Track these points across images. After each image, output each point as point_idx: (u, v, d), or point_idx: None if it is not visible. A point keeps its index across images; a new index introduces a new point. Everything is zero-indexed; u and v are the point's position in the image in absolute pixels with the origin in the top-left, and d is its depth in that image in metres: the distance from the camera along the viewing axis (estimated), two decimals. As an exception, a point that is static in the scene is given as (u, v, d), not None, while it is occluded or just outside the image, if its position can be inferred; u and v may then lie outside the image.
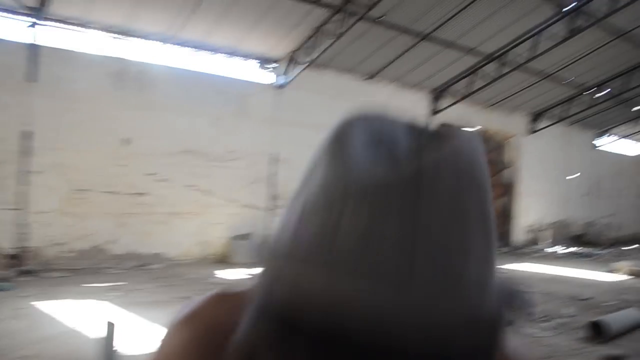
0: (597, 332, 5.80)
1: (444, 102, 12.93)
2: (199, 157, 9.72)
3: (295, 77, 10.42)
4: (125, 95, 8.92)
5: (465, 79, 12.32)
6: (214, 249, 9.84)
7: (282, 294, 0.44)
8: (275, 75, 10.68)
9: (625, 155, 19.12)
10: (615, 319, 6.10)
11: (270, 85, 10.64)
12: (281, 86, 10.63)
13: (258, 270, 0.50)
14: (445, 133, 0.50)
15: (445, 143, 0.48)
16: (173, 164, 9.40)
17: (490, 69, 11.75)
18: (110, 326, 3.73)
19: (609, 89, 13.92)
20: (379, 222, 0.44)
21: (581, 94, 14.29)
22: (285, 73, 10.54)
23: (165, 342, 0.69)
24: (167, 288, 7.36)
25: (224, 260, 9.58)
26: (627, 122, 17.12)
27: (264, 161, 10.53)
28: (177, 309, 0.70)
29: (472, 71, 12.06)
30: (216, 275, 8.47)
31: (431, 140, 0.49)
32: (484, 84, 12.04)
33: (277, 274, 0.47)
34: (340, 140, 0.49)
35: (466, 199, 0.46)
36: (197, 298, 0.70)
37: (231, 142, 10.07)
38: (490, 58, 11.61)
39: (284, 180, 10.35)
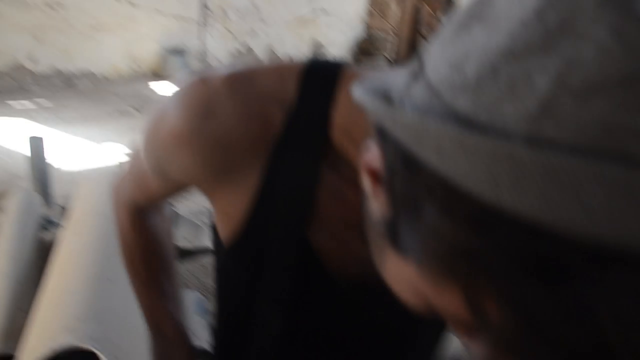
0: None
1: None
2: (118, -38, 8.72)
3: None
4: None
5: None
6: (144, 63, 9.37)
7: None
8: None
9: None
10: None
11: None
12: None
13: None
14: None
15: None
16: (90, -30, 8.43)
17: None
18: (38, 141, 3.57)
19: None
20: None
21: None
22: None
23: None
24: (98, 104, 7.08)
25: (157, 75, 9.20)
26: None
27: (193, -32, 9.63)
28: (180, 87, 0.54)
29: None
30: (151, 89, 8.17)
31: None
32: None
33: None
34: None
35: None
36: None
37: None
38: None
39: (216, -10, 9.61)
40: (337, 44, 12.63)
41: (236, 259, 0.62)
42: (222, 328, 0.75)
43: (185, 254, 3.14)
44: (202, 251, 3.22)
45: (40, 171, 3.56)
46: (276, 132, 0.53)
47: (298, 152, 0.53)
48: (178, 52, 9.29)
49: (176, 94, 0.55)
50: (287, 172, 0.53)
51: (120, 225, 0.79)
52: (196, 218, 3.66)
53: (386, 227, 0.36)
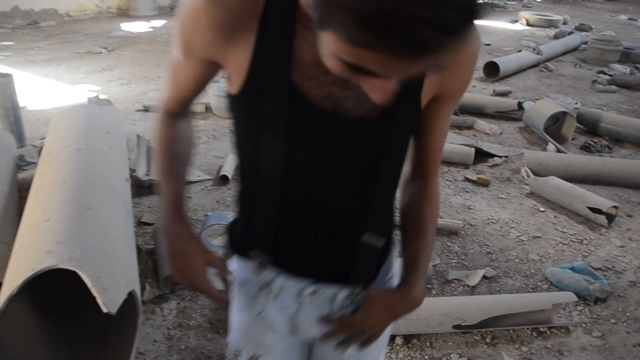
0: (493, 71, 6.26)
1: None
2: None
3: None
4: None
5: None
6: (112, 1, 9.09)
7: None
8: None
9: None
10: (506, 61, 6.55)
11: None
12: None
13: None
14: None
15: None
16: None
17: None
18: (6, 78, 3.54)
19: None
20: None
21: None
22: None
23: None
24: (65, 44, 6.91)
25: (125, 14, 8.95)
26: None
27: None
28: None
29: None
30: (121, 29, 7.98)
31: None
32: None
33: None
34: None
35: None
36: None
37: None
38: None
39: None
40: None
41: (244, 102, 0.83)
42: (241, 164, 0.96)
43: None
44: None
45: (11, 110, 3.55)
46: (263, 3, 0.76)
47: (279, 15, 0.76)
48: (146, -12, 9.02)
49: None
50: (272, 30, 0.77)
51: (155, 124, 1.01)
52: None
53: (316, 23, 0.59)
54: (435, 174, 1.03)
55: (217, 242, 2.72)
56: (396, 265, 1.08)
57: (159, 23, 8.59)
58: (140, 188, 3.17)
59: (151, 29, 8.11)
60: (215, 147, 4.00)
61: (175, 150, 0.99)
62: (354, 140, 0.84)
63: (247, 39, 0.77)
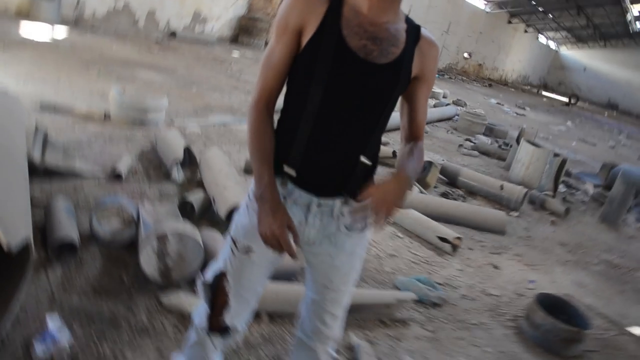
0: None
1: None
2: None
3: None
4: None
5: None
6: (11, 3, 8.85)
7: None
8: None
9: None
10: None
11: None
12: None
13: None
14: None
15: None
16: None
17: None
18: None
19: None
20: None
21: None
22: None
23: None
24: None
25: (27, 16, 8.74)
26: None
27: None
28: None
29: None
30: (20, 32, 7.80)
31: None
32: None
33: None
34: None
35: None
36: None
37: None
38: None
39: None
40: (220, 19, 12.80)
41: (309, 48, 1.30)
42: (291, 101, 1.39)
43: (55, 173, 3.33)
44: (70, 173, 3.42)
45: None
46: None
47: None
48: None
49: None
50: (332, 8, 1.29)
51: (248, 119, 1.41)
52: (65, 143, 3.81)
53: None
54: (421, 137, 1.50)
55: (109, 223, 2.89)
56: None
57: (61, 30, 8.50)
58: (33, 172, 3.25)
59: (54, 39, 8.02)
60: (111, 150, 4.14)
61: (265, 141, 1.38)
62: (375, 80, 1.31)
63: (320, 11, 1.29)
